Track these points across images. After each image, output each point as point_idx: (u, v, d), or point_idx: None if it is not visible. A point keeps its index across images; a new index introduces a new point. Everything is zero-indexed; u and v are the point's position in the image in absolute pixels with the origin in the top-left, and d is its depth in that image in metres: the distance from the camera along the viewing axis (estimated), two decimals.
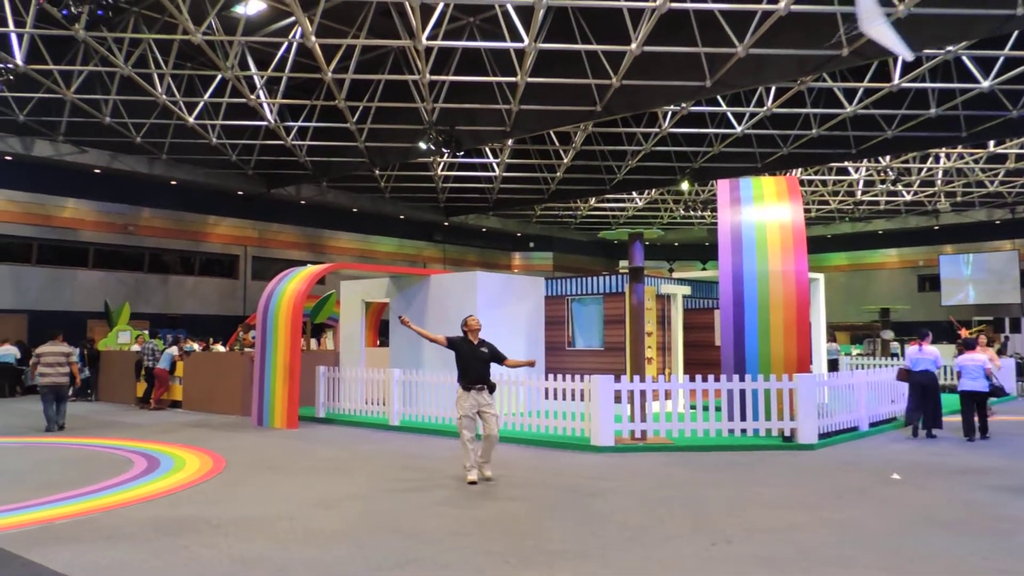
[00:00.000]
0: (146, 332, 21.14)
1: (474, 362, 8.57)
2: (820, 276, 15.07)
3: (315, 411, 14.68)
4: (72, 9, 12.17)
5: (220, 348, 19.90)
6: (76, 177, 24.47)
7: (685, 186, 27.76)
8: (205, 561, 5.52)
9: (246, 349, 17.42)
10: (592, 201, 34.61)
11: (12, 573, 5.26)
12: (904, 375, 12.19)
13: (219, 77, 19.14)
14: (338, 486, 8.32)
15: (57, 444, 11.53)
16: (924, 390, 11.82)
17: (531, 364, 9.00)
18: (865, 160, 26.83)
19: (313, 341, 20.95)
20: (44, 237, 24.34)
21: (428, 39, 15.68)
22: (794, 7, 13.57)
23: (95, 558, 5.58)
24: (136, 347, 18.87)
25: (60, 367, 13.19)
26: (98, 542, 6.03)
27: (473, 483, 8.28)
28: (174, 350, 17.25)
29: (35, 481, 8.64)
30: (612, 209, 36.48)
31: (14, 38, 16.25)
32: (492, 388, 8.63)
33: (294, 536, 6.20)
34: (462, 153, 20.96)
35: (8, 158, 22.49)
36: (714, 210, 31.48)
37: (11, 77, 15.11)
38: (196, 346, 18.72)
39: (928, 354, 11.99)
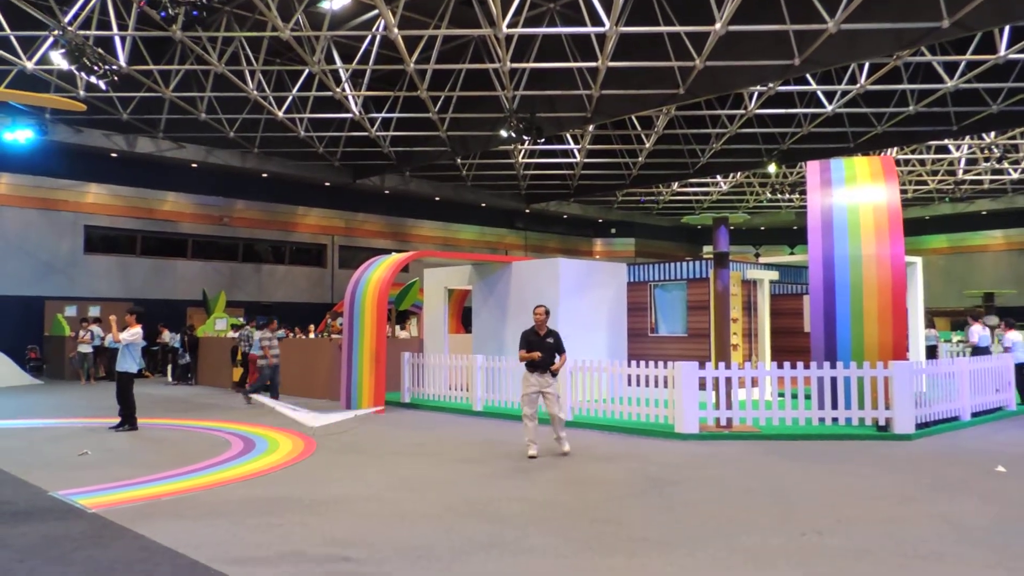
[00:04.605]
0: (241, 319, 22.02)
1: (538, 350, 9.23)
2: (918, 260, 14.42)
3: (400, 396, 15.01)
4: (169, 11, 12.73)
5: (311, 335, 20.53)
6: (175, 171, 25.65)
7: (772, 168, 26.91)
8: (298, 539, 5.74)
9: (334, 336, 17.94)
10: (675, 186, 33.99)
11: (124, 545, 5.60)
12: None
13: (306, 71, 19.67)
14: (423, 469, 8.50)
15: (160, 425, 12.17)
16: None
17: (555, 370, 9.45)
18: (967, 137, 25.38)
19: (398, 328, 21.39)
20: (147, 229, 25.63)
21: (508, 27, 15.67)
22: None
23: (197, 533, 5.88)
24: (232, 334, 19.70)
25: None
26: (199, 519, 6.35)
27: (533, 457, 8.94)
28: (257, 335, 17.88)
29: (141, 460, 9.16)
30: (696, 193, 35.76)
31: (118, 41, 17.11)
32: (554, 373, 9.30)
33: (381, 517, 6.37)
34: (543, 140, 20.92)
35: (114, 155, 23.76)
36: (803, 193, 30.39)
37: (116, 78, 15.93)
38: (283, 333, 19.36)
39: None
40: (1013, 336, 13.89)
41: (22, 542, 5.66)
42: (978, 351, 14.65)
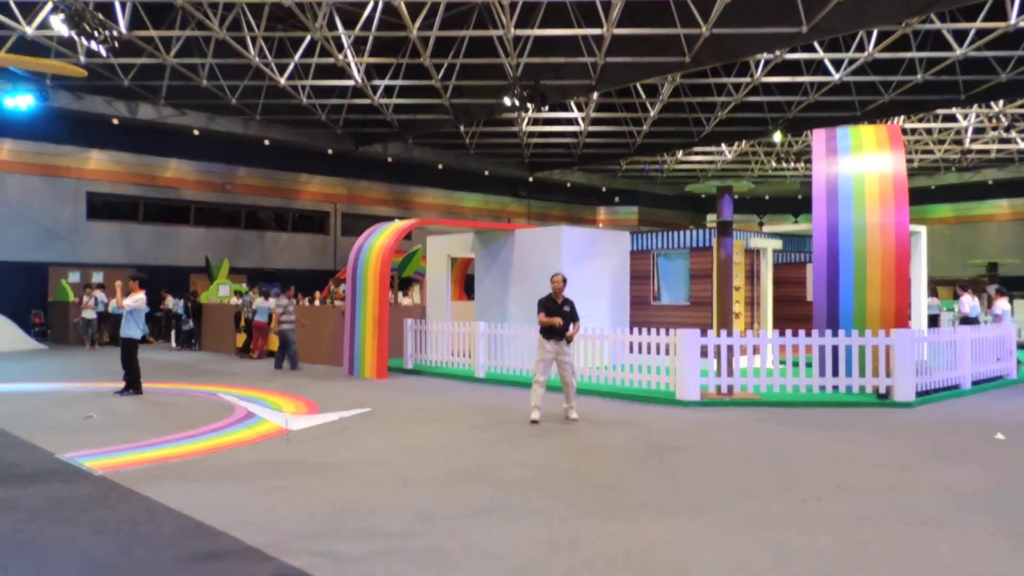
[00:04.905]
0: (244, 285, 22.05)
1: (556, 316, 9.34)
2: (922, 229, 14.38)
3: (403, 363, 15.07)
4: None
5: (316, 302, 20.57)
6: (177, 138, 25.52)
7: (778, 137, 26.69)
8: (301, 501, 5.80)
9: (337, 302, 17.97)
10: (679, 154, 33.77)
11: (130, 507, 5.67)
12: None
13: (308, 38, 19.45)
14: (426, 435, 8.56)
15: (165, 390, 12.26)
16: None
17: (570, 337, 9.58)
18: (975, 106, 25.14)
19: (400, 294, 21.41)
20: (149, 196, 25.59)
21: None
22: None
23: (203, 495, 5.95)
24: (235, 300, 19.73)
25: None
26: (205, 481, 6.41)
27: (535, 422, 9.07)
28: (272, 302, 17.93)
29: (146, 424, 9.22)
30: (700, 162, 35.55)
31: (118, 6, 16.90)
32: (569, 340, 9.42)
33: (384, 481, 6.43)
34: (547, 108, 20.75)
35: (115, 121, 23.62)
36: (808, 162, 30.23)
37: (116, 44, 15.76)
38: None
39: None
40: (1003, 305, 13.92)
41: (30, 504, 5.73)
42: (968, 321, 14.72)
